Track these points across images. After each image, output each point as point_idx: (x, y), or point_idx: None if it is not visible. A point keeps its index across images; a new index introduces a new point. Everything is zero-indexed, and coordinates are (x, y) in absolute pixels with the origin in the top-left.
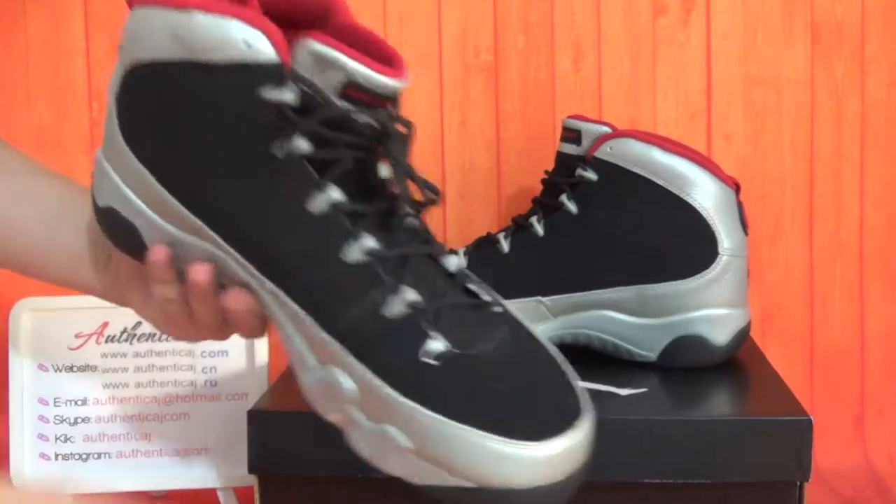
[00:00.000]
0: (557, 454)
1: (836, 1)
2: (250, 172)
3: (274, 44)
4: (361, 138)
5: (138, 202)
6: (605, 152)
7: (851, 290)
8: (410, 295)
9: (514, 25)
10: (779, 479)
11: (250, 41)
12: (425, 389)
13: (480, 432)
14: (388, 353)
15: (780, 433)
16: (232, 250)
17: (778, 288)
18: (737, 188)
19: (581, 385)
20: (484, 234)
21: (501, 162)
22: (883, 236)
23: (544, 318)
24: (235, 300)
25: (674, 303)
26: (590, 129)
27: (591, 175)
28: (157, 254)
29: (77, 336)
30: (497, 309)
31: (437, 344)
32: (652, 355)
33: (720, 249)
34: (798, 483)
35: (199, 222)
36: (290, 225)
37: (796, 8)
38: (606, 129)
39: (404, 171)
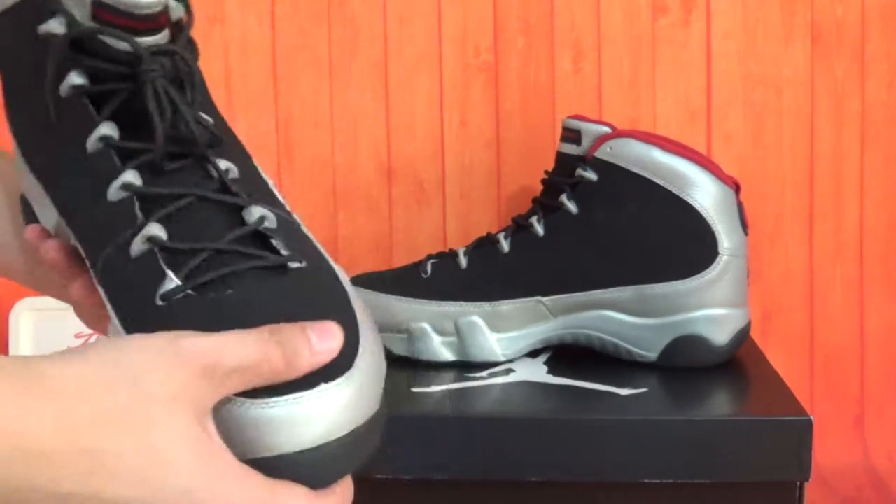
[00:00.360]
0: (275, 417)
1: (836, 1)
2: (47, 117)
3: None
4: (122, 66)
5: (29, 177)
6: (605, 152)
7: (851, 290)
8: (153, 230)
9: (514, 25)
10: (779, 479)
11: None
12: None
13: None
14: (130, 296)
15: (780, 433)
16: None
17: (778, 288)
18: (737, 188)
19: (371, 352)
20: (484, 234)
21: (501, 162)
22: (883, 236)
23: (544, 318)
24: (78, 289)
25: (674, 303)
26: (590, 129)
27: (591, 175)
28: (28, 233)
29: (77, 336)
30: (294, 264)
31: (171, 284)
32: (652, 355)
33: (720, 249)
34: (798, 483)
35: (43, 190)
36: (73, 168)
37: (796, 8)
38: (606, 129)
39: (165, 105)
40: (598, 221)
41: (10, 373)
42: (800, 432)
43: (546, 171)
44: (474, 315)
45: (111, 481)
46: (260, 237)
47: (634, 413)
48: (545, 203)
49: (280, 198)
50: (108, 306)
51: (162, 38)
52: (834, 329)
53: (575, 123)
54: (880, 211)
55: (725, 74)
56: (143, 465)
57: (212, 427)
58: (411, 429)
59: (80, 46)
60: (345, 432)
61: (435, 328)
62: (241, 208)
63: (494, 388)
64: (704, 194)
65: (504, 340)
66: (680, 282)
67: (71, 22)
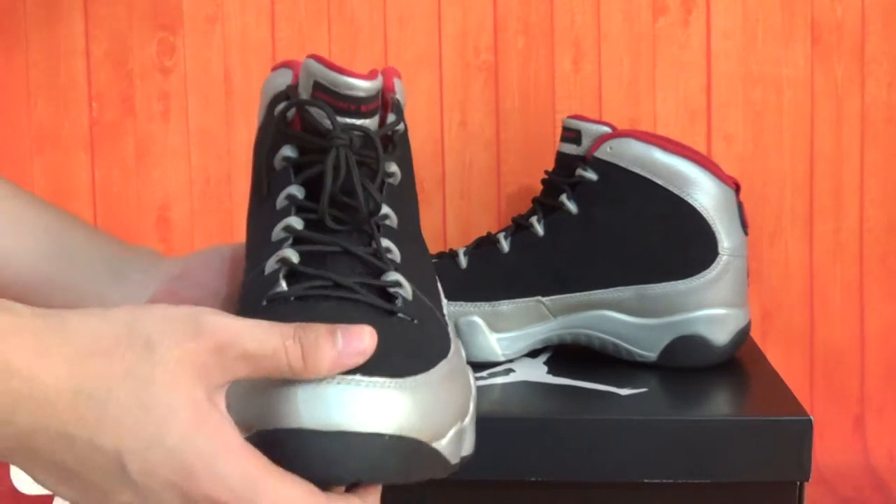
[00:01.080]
0: (300, 389)
1: (836, 1)
2: (260, 187)
3: (292, 70)
4: (321, 139)
5: None
6: (605, 152)
7: (851, 290)
8: (287, 253)
9: (514, 25)
10: (779, 479)
11: (285, 76)
12: None
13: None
14: (245, 303)
15: (780, 433)
16: None
17: (778, 288)
18: (737, 188)
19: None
20: (484, 234)
21: (501, 162)
22: (883, 236)
23: (544, 318)
24: None
25: (674, 303)
26: (590, 129)
27: (591, 175)
28: None
29: None
30: (402, 315)
31: (278, 289)
32: (652, 355)
33: (720, 249)
34: (798, 483)
35: None
36: (259, 219)
37: (796, 8)
38: (606, 129)
39: (341, 171)
40: (598, 221)
41: (34, 324)
42: (800, 432)
43: (546, 171)
44: (474, 315)
45: (111, 430)
46: (387, 297)
47: (634, 413)
48: (545, 203)
49: (444, 306)
50: None
51: (366, 123)
52: (834, 329)
53: (575, 123)
54: (880, 211)
55: (725, 74)
56: (141, 419)
57: (221, 402)
58: None
59: (299, 125)
60: (366, 430)
61: None
62: (383, 272)
63: (494, 388)
64: (704, 194)
65: (504, 340)
66: (680, 282)
67: (292, 100)
